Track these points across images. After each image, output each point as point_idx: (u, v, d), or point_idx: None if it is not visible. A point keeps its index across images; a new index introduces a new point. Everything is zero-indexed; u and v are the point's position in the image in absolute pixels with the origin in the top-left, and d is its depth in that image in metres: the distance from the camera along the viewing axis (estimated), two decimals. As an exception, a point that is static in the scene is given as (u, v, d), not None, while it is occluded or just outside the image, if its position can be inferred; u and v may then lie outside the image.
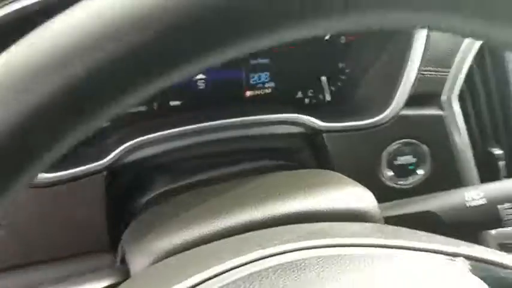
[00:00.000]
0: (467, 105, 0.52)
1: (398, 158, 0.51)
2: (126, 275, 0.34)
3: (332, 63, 0.57)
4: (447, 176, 0.50)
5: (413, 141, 0.51)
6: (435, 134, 0.51)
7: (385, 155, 0.51)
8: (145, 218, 0.39)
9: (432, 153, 0.51)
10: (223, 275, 0.27)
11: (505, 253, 0.29)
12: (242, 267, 0.28)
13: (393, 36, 0.51)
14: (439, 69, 0.50)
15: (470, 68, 0.50)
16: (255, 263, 0.27)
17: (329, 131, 0.50)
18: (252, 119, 0.51)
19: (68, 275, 0.39)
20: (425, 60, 0.49)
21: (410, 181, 0.50)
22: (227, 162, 0.49)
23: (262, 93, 0.57)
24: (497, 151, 0.52)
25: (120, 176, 0.46)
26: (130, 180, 0.49)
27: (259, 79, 0.56)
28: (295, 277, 0.26)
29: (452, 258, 0.28)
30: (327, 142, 0.50)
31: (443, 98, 0.50)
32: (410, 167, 0.51)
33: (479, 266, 0.27)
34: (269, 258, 0.28)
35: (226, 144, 0.51)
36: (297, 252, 0.29)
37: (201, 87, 0.55)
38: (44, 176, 0.42)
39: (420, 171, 0.51)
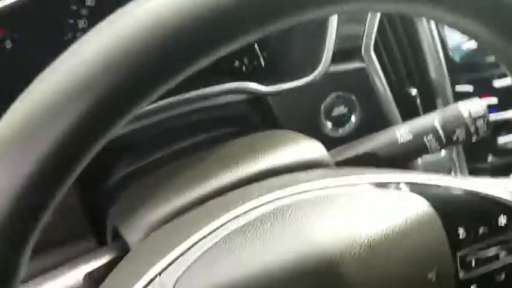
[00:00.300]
0: (383, 55, 0.60)
1: (334, 109, 0.58)
2: (122, 249, 0.38)
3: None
4: (375, 119, 0.58)
5: (344, 93, 0.58)
6: (360, 84, 0.58)
7: (322, 109, 0.58)
8: (129, 194, 0.42)
9: (360, 101, 0.58)
10: (217, 231, 0.32)
11: (438, 175, 0.37)
12: (229, 222, 0.33)
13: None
14: (356, 26, 0.56)
15: (382, 22, 0.57)
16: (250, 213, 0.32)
17: (272, 94, 0.56)
18: (198, 93, 0.54)
19: (55, 263, 0.42)
20: (342, 20, 0.55)
21: (347, 129, 0.57)
22: (184, 136, 0.53)
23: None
24: (414, 91, 0.60)
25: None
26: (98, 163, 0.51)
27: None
28: (278, 223, 0.32)
29: (397, 185, 0.35)
30: (272, 105, 0.55)
31: (362, 51, 0.57)
32: (344, 117, 0.59)
33: (419, 188, 0.35)
34: (253, 210, 0.33)
35: (179, 119, 0.55)
36: (272, 202, 0.34)
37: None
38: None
39: (353, 119, 0.58)
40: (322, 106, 0.58)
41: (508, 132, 0.65)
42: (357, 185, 0.35)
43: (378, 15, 0.57)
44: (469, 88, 0.60)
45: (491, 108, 0.65)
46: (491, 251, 0.34)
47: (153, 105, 0.52)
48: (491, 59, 0.62)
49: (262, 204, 0.33)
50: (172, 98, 0.53)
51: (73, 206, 0.48)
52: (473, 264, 0.34)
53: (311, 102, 0.57)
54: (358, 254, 0.30)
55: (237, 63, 0.62)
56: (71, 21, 0.53)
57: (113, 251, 0.38)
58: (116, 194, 0.45)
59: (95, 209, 0.48)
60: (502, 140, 0.66)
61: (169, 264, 0.30)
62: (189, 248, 0.31)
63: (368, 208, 0.33)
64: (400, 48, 0.61)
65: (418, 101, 0.59)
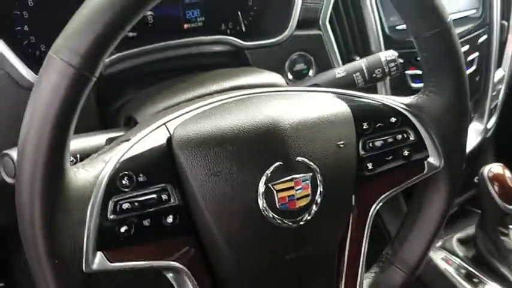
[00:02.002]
0: (336, 27, 0.77)
1: (296, 65, 0.75)
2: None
3: (244, 2, 0.79)
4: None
5: (304, 53, 0.75)
6: (317, 48, 0.75)
7: (287, 64, 0.75)
8: (139, 96, 0.58)
9: (316, 61, 0.76)
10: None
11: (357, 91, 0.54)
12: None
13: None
14: (316, 1, 0.74)
15: (336, 1, 0.75)
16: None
17: (249, 48, 0.73)
18: (190, 40, 0.71)
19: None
20: (306, -4, 0.73)
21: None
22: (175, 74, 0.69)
23: (196, 25, 0.77)
24: (357, 58, 0.78)
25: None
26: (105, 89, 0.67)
27: (193, 14, 0.76)
28: (242, 104, 0.48)
29: (327, 93, 0.52)
30: (249, 58, 0.72)
31: (320, 22, 0.75)
32: (303, 71, 0.76)
33: (341, 96, 0.52)
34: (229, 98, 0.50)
35: (171, 61, 0.71)
36: (240, 96, 0.51)
37: (150, 22, 0.74)
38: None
39: (310, 73, 0.76)
40: (287, 62, 0.75)
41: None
42: (300, 91, 0.53)
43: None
44: (399, 60, 0.78)
45: (416, 79, 0.84)
46: (383, 139, 0.52)
47: (155, 45, 0.68)
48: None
49: (232, 96, 0.50)
50: (170, 42, 0.69)
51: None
52: (369, 146, 0.52)
53: (279, 59, 0.74)
54: (294, 123, 0.46)
55: (223, 26, 0.79)
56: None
57: (127, 129, 0.54)
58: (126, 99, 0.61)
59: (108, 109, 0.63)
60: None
61: (171, 120, 0.46)
62: (183, 114, 0.47)
63: (307, 102, 0.50)
64: (349, 23, 0.79)
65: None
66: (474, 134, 0.96)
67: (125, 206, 0.40)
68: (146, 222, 0.42)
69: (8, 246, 0.92)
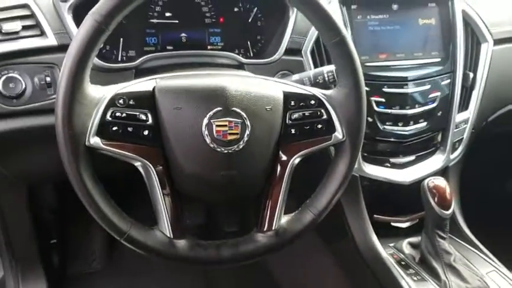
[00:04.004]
0: (316, 56, 1.04)
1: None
2: None
3: (254, 36, 1.09)
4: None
5: (288, 72, 1.03)
6: (297, 68, 1.02)
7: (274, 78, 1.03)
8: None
9: None
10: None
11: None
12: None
13: (281, 22, 1.04)
14: (301, 37, 1.03)
15: (317, 37, 1.03)
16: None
17: (248, 64, 1.02)
18: (207, 52, 1.02)
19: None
20: (294, 32, 1.01)
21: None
22: None
23: (216, 48, 1.08)
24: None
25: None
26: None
27: (215, 40, 1.08)
28: (204, 75, 0.77)
29: (271, 80, 0.79)
30: (247, 70, 1.01)
31: (303, 52, 1.03)
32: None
33: (281, 83, 0.79)
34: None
35: (194, 66, 1.01)
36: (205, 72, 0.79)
37: (184, 41, 1.06)
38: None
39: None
40: (274, 77, 1.03)
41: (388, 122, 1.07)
42: (253, 77, 0.80)
43: (316, 33, 1.03)
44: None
45: (380, 105, 1.07)
46: (303, 113, 0.77)
47: (182, 51, 1.00)
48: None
49: (205, 72, 0.79)
50: (193, 51, 1.01)
51: None
52: (293, 117, 0.77)
53: (269, 74, 1.02)
54: (237, 89, 0.73)
55: (236, 51, 1.09)
56: None
57: None
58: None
59: None
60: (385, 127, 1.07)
61: (160, 77, 0.75)
62: (168, 76, 0.76)
63: (253, 81, 0.78)
64: (327, 56, 1.06)
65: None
66: (436, 161, 1.15)
67: (118, 114, 0.70)
68: (130, 129, 0.70)
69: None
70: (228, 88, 0.73)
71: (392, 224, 1.16)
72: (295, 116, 0.77)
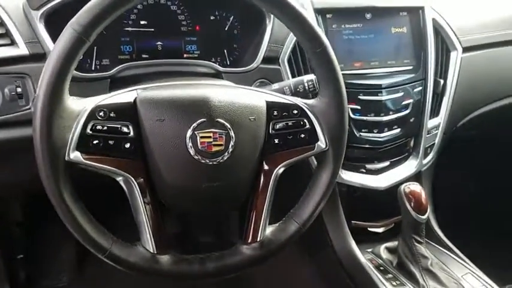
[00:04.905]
0: (293, 65, 1.05)
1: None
2: None
3: (230, 44, 1.09)
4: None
5: (266, 80, 1.02)
6: (275, 77, 1.02)
7: (252, 86, 1.02)
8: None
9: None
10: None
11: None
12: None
13: (258, 31, 1.04)
14: (278, 45, 1.03)
15: (294, 46, 1.04)
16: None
17: (225, 72, 1.01)
18: (184, 61, 1.01)
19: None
20: (271, 40, 1.02)
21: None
22: None
23: (192, 56, 1.07)
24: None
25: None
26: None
27: (191, 48, 1.07)
28: (188, 86, 0.76)
29: (253, 90, 0.79)
30: (225, 79, 1.00)
31: (280, 60, 1.03)
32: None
33: (262, 93, 0.78)
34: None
35: (167, 74, 1.00)
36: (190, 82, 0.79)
37: (159, 49, 1.04)
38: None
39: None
40: (252, 85, 1.02)
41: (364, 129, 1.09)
42: (235, 87, 0.80)
43: (293, 40, 1.03)
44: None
45: (355, 112, 1.08)
46: (286, 123, 0.77)
47: (158, 60, 0.98)
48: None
49: (185, 81, 0.78)
50: (170, 60, 0.99)
51: None
52: (276, 127, 0.77)
53: (247, 82, 1.02)
54: (220, 99, 0.72)
55: (213, 59, 1.08)
56: None
57: None
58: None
59: None
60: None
61: (140, 88, 0.73)
62: (148, 86, 0.75)
63: (236, 91, 0.77)
64: (304, 64, 1.06)
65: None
66: (410, 167, 1.18)
67: (99, 127, 0.67)
68: (111, 142, 0.68)
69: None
70: (212, 99, 0.72)
71: (369, 229, 1.17)
72: (278, 125, 0.77)
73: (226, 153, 0.71)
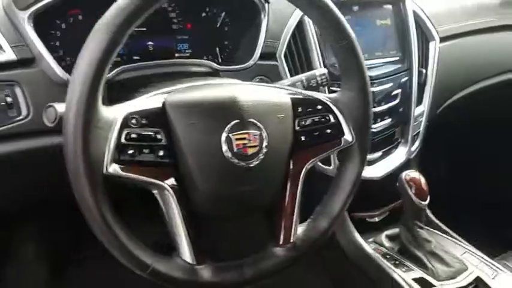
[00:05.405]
0: (289, 61, 1.03)
1: (256, 86, 1.00)
2: None
3: (222, 41, 1.05)
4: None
5: (264, 77, 1.00)
6: (273, 74, 1.01)
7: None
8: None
9: (272, 83, 1.01)
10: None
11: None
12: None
13: (250, 27, 1.01)
14: (275, 40, 1.01)
15: (289, 41, 1.02)
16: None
17: (223, 70, 0.98)
18: (178, 61, 0.96)
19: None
20: (267, 36, 0.99)
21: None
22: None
23: (184, 55, 1.02)
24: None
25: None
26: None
27: (182, 47, 1.02)
28: (210, 86, 0.72)
29: (275, 88, 0.76)
30: (222, 77, 0.97)
31: (277, 56, 1.01)
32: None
33: (285, 90, 0.76)
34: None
35: (162, 76, 0.95)
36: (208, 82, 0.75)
37: (150, 49, 0.99)
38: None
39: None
40: (250, 82, 1.00)
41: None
42: (257, 85, 0.77)
43: (288, 36, 1.02)
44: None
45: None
46: (312, 119, 0.76)
47: (152, 62, 0.93)
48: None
49: (210, 82, 0.74)
50: (163, 61, 0.94)
51: None
52: (302, 124, 0.75)
53: (245, 79, 0.99)
54: (249, 99, 0.69)
55: (205, 57, 1.04)
56: None
57: None
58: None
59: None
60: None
61: (166, 92, 0.69)
62: (174, 89, 0.70)
63: (260, 89, 0.74)
64: (299, 59, 1.05)
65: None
66: (400, 155, 1.21)
67: (133, 135, 0.62)
68: (146, 151, 0.63)
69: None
70: (240, 98, 0.69)
71: (367, 219, 1.19)
72: (304, 122, 0.76)
73: (260, 154, 0.69)
